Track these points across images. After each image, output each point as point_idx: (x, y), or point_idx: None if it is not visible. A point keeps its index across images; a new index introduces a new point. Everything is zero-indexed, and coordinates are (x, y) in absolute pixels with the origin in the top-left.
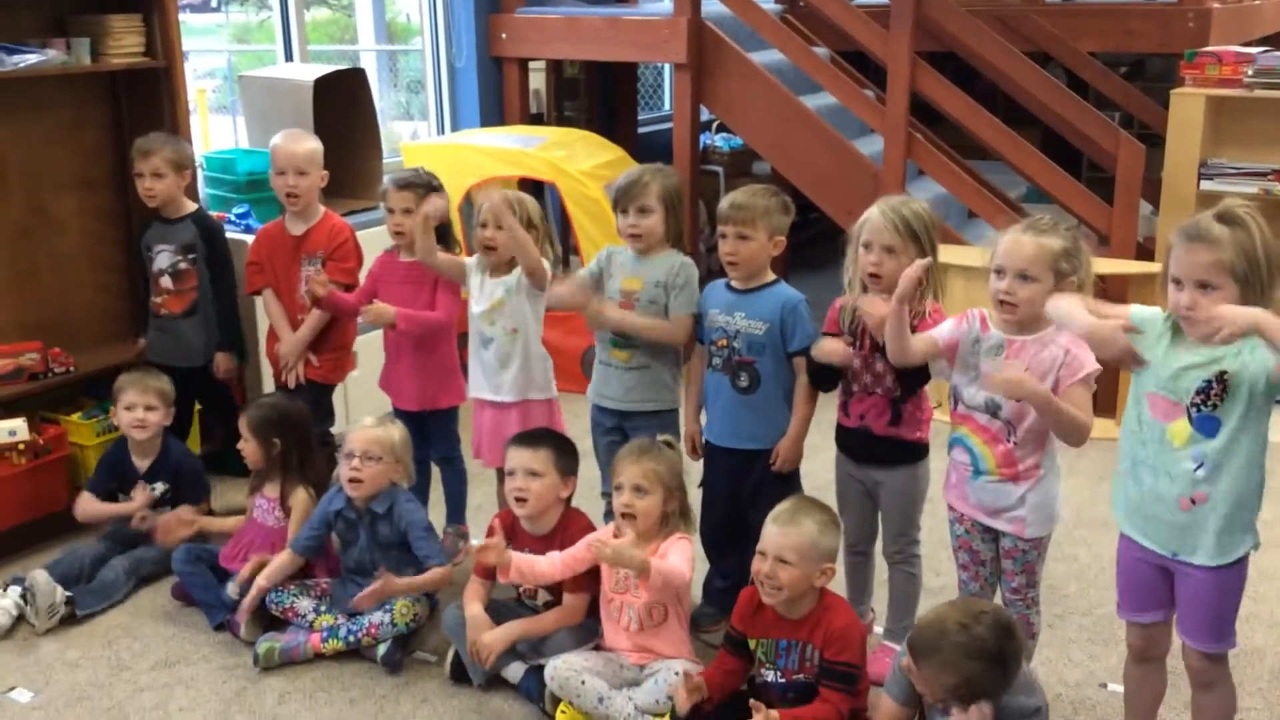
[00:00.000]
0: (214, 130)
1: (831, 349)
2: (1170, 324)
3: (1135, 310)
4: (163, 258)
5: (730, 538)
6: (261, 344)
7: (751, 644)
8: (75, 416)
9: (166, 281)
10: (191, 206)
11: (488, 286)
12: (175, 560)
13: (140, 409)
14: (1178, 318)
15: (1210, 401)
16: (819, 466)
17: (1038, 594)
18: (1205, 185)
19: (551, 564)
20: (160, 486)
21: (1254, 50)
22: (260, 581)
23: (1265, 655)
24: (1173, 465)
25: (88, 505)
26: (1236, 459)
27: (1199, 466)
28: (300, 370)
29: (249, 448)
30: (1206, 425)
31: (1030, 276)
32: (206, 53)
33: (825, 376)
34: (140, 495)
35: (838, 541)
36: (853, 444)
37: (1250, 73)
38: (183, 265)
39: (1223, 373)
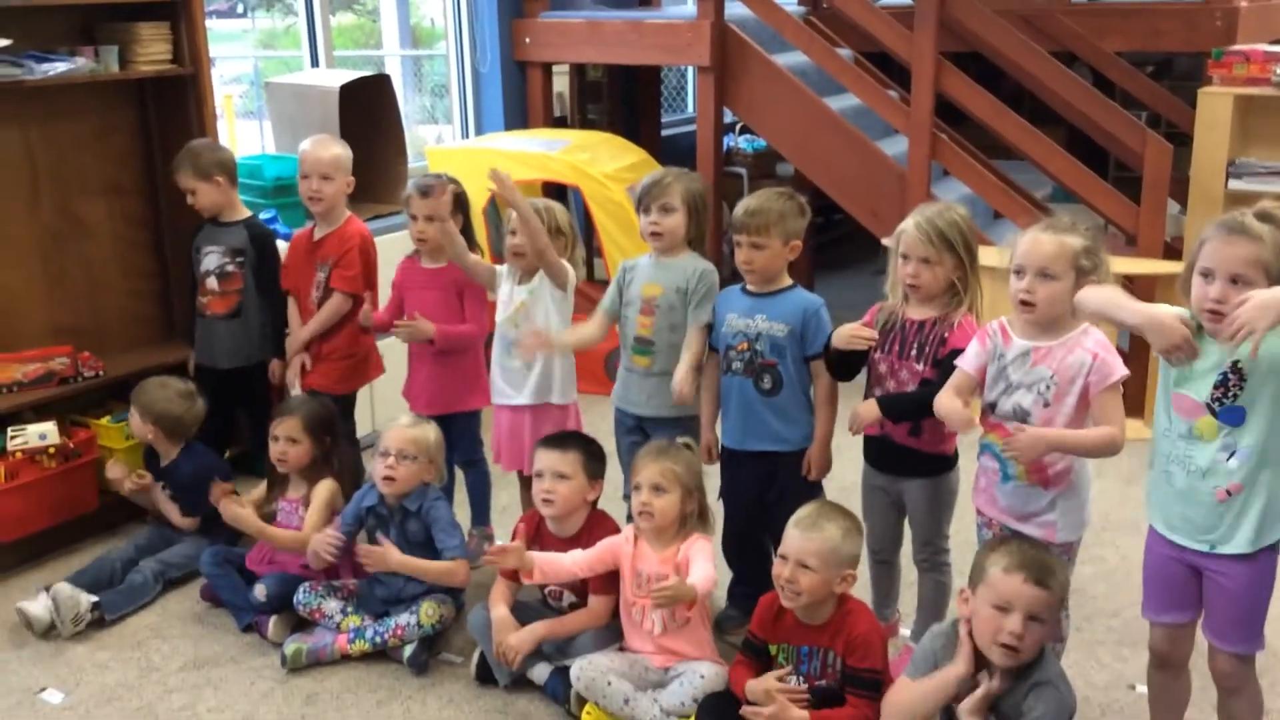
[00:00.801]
0: (241, 135)
1: (850, 334)
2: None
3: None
4: (210, 259)
5: (753, 542)
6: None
7: (773, 649)
8: (105, 420)
9: (212, 283)
10: (245, 212)
11: (516, 293)
12: (203, 563)
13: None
14: (1201, 313)
15: (1230, 393)
16: (841, 469)
17: (1066, 598)
18: (1234, 184)
19: (576, 562)
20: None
21: None
22: (326, 541)
23: None
24: (1205, 459)
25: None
26: (1269, 442)
27: (1231, 455)
28: (295, 379)
29: (299, 449)
30: (1232, 415)
31: (1050, 275)
32: (233, 59)
33: (844, 365)
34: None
35: (859, 548)
36: (876, 453)
37: (1278, 71)
38: (230, 268)
39: (1236, 363)
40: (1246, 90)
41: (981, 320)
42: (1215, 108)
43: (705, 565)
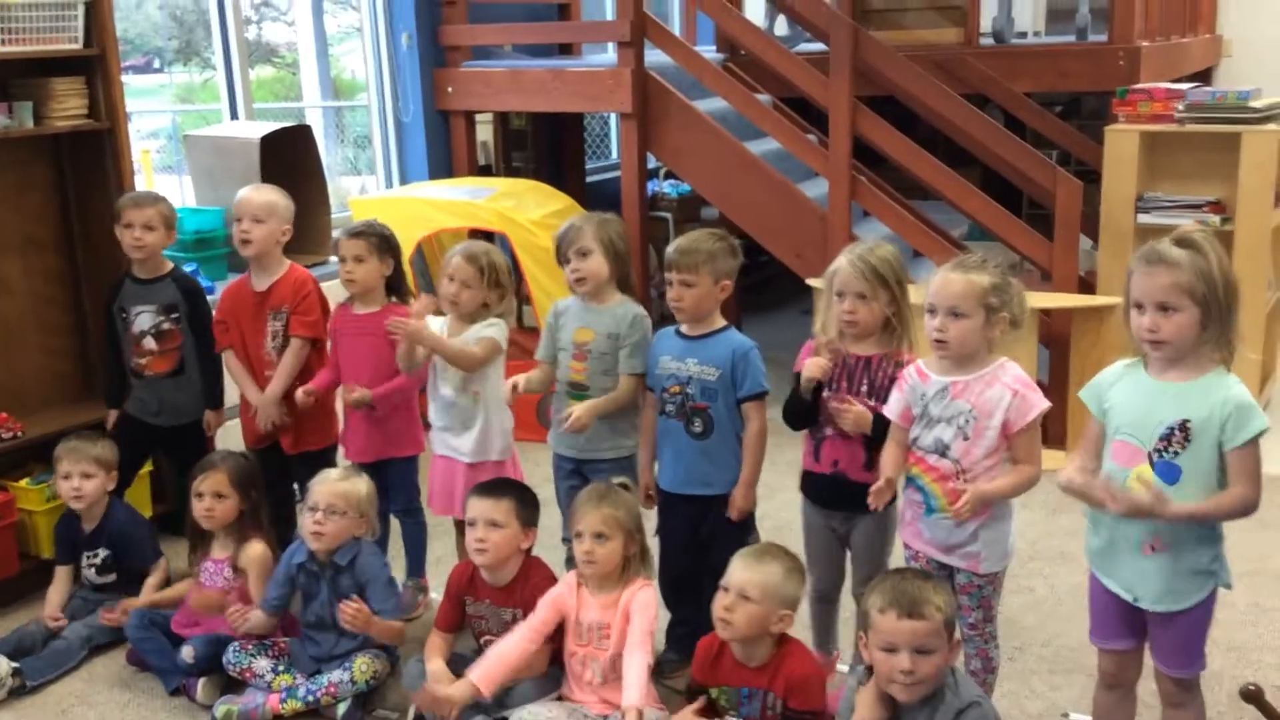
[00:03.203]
0: (160, 190)
1: (813, 366)
2: (1124, 366)
3: (1083, 393)
4: (144, 319)
5: (690, 584)
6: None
7: (714, 693)
8: (24, 482)
9: (150, 343)
10: (168, 265)
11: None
12: (129, 627)
13: (76, 477)
14: (1141, 343)
15: (1171, 449)
16: (776, 507)
17: (995, 628)
18: (1143, 219)
19: (525, 637)
20: (103, 553)
21: (1183, 86)
22: (242, 614)
23: (1223, 679)
24: None
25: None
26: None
27: None
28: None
29: (225, 505)
30: (1168, 472)
31: (960, 313)
32: (150, 113)
33: (801, 415)
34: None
35: (800, 591)
36: (825, 490)
37: (1181, 108)
38: (166, 325)
39: (1185, 421)
40: (1151, 127)
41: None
42: (1122, 145)
43: (644, 622)
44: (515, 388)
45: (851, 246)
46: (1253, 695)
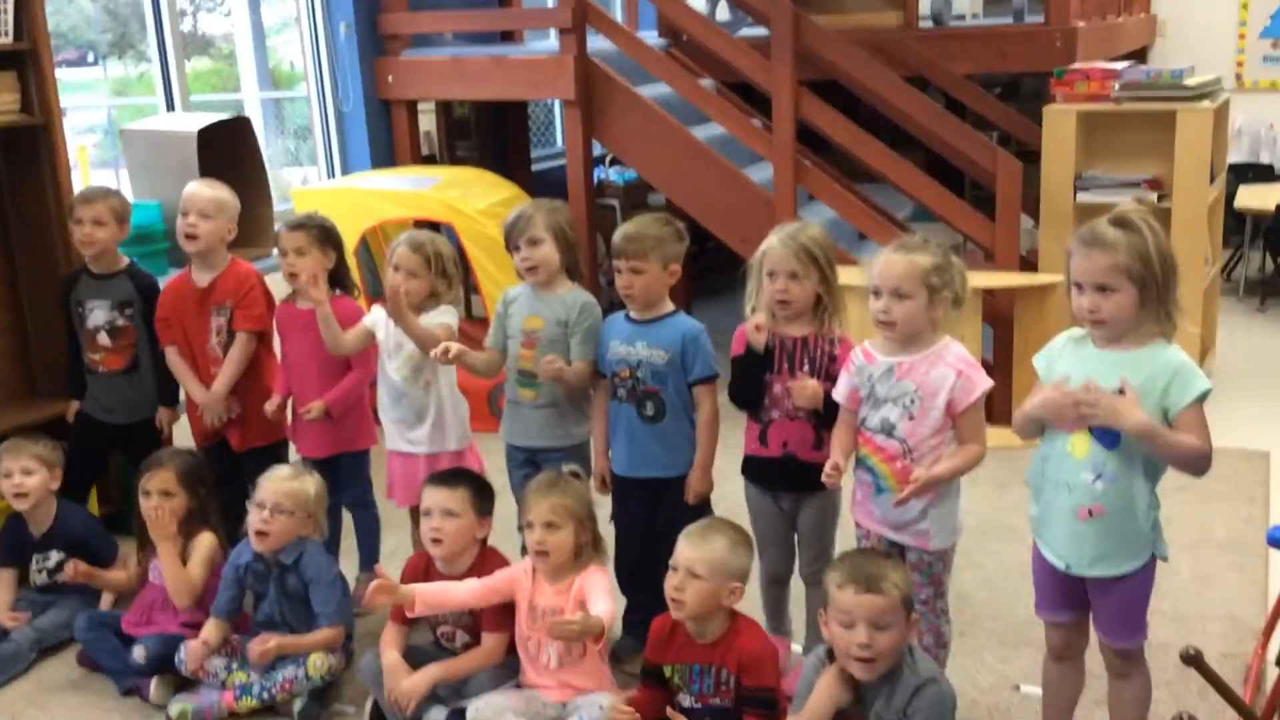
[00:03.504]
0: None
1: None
2: (1071, 339)
3: (1036, 359)
4: (98, 314)
5: (646, 569)
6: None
7: (667, 671)
8: None
9: (104, 339)
10: (124, 261)
11: (397, 336)
12: (78, 629)
13: (17, 474)
14: (1083, 323)
15: None
16: (730, 490)
17: (946, 604)
18: (1082, 197)
19: (470, 590)
20: (55, 556)
21: (1119, 65)
22: (198, 644)
23: (1169, 649)
24: (1072, 476)
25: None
26: (1133, 473)
27: (1097, 478)
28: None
29: (173, 503)
30: (1106, 437)
31: (903, 294)
32: (86, 108)
33: (748, 396)
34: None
35: (748, 562)
36: (772, 474)
37: (1117, 87)
38: (120, 322)
39: (1122, 390)
40: (1088, 106)
41: (856, 332)
42: (1060, 125)
43: (604, 600)
44: (448, 351)
45: (780, 226)
46: (1193, 659)
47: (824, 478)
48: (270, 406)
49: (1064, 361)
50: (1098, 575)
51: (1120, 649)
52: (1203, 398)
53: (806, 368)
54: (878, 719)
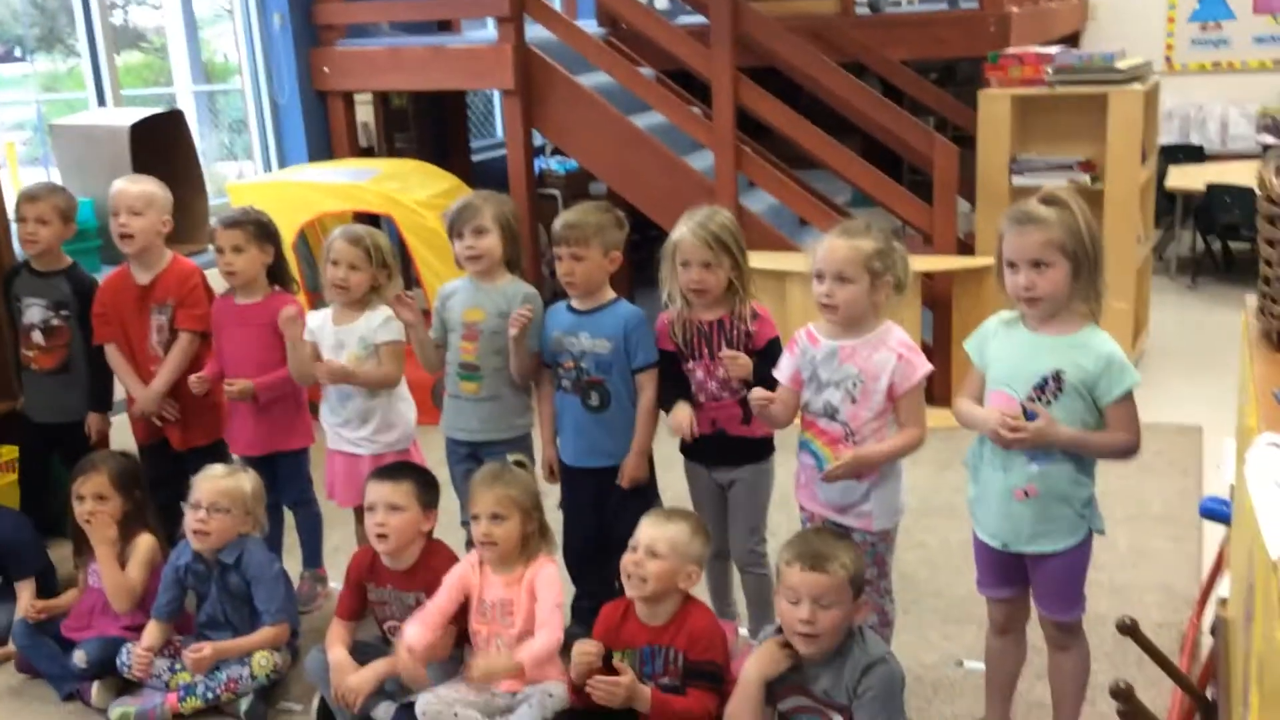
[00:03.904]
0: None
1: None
2: (1001, 322)
3: (967, 343)
4: (34, 312)
5: (594, 556)
6: None
7: (617, 657)
8: None
9: (38, 337)
10: (66, 261)
11: (338, 334)
12: (15, 635)
13: None
14: (1018, 301)
15: (1045, 398)
16: (676, 478)
17: (890, 583)
18: (1017, 180)
19: (442, 603)
20: None
21: (1052, 50)
22: (141, 650)
23: (1107, 620)
24: (1008, 459)
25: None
26: (1067, 455)
27: (1031, 460)
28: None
29: (110, 505)
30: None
31: (846, 278)
32: (13, 104)
33: (674, 396)
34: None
35: (707, 550)
36: (705, 450)
37: (1050, 71)
38: (55, 322)
39: (1059, 372)
40: (1022, 90)
41: (780, 311)
42: (995, 109)
43: (546, 607)
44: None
45: (689, 214)
46: (1129, 629)
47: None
48: (193, 380)
49: (995, 344)
50: (1035, 551)
51: (1059, 621)
52: (1132, 390)
53: (724, 350)
54: (826, 695)
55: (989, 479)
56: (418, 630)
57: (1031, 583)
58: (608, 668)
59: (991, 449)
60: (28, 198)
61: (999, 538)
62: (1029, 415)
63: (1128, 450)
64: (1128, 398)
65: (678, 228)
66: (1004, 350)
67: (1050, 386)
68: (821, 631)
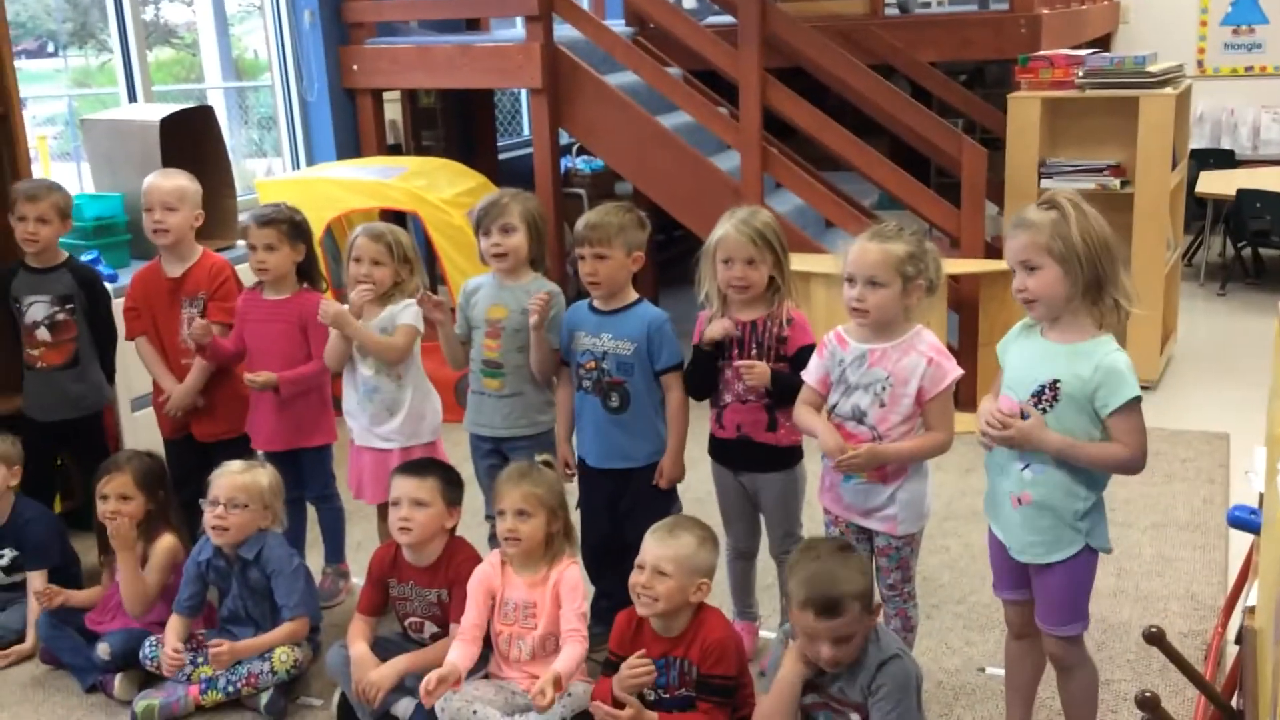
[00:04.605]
0: (57, 178)
1: (713, 330)
2: (1023, 326)
3: (998, 346)
4: (37, 309)
5: (611, 556)
6: (121, 393)
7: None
8: None
9: (43, 334)
10: (63, 255)
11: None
12: (40, 626)
13: None
14: (1021, 304)
15: (1041, 405)
16: (696, 479)
17: (914, 588)
18: (1046, 183)
19: (473, 615)
20: (8, 554)
21: (1083, 52)
22: (170, 652)
23: (1131, 628)
24: (1006, 464)
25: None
26: (1061, 465)
27: (1025, 467)
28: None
29: (131, 506)
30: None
31: (878, 282)
32: (46, 99)
33: (701, 386)
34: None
35: (715, 558)
36: (731, 453)
37: (1080, 74)
38: (60, 316)
39: (1055, 380)
40: (1052, 93)
41: (806, 313)
42: (1024, 111)
43: (572, 654)
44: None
45: (731, 213)
46: (1155, 638)
47: (838, 463)
48: (197, 323)
49: (1013, 349)
50: (1029, 562)
51: (1054, 635)
52: (1133, 403)
53: (754, 352)
54: (841, 693)
55: (995, 482)
56: (463, 650)
57: (1034, 593)
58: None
59: (994, 452)
60: (28, 197)
61: (1007, 540)
62: (1025, 418)
63: (1124, 463)
64: (1129, 410)
65: (719, 226)
66: (1016, 355)
67: (1046, 395)
68: (844, 660)
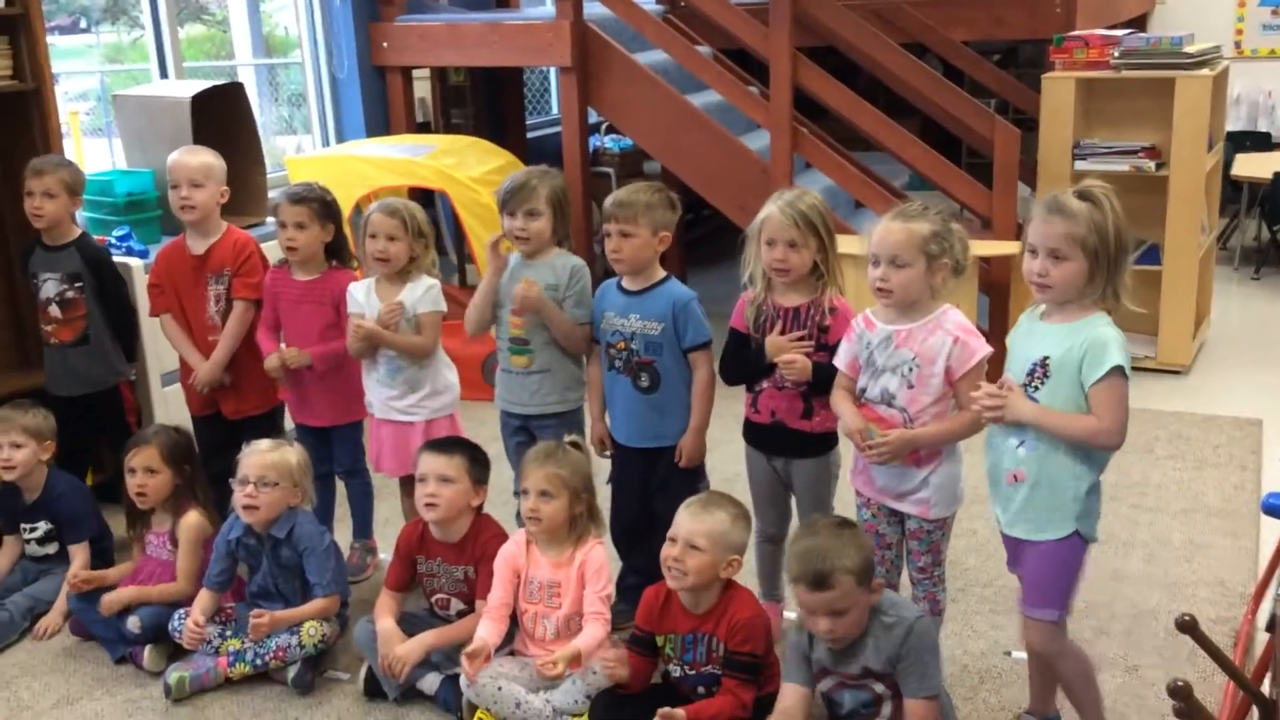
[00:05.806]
0: (89, 153)
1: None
2: (1029, 311)
3: (1008, 339)
4: (49, 286)
5: (641, 533)
6: (152, 369)
7: (660, 640)
8: None
9: (55, 310)
10: (75, 232)
11: (382, 306)
12: (71, 598)
13: (6, 448)
14: (1030, 285)
15: (1033, 383)
16: (724, 459)
17: (943, 572)
18: (1079, 165)
19: (500, 594)
20: (43, 525)
21: (1119, 33)
22: (192, 624)
23: (1159, 614)
24: (1002, 441)
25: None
26: (1055, 444)
27: (1020, 444)
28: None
29: (158, 480)
30: None
31: (902, 262)
32: (78, 74)
33: (737, 375)
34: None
35: (747, 536)
36: (765, 438)
37: (1116, 54)
38: (70, 294)
39: (1045, 357)
40: (1087, 74)
41: (851, 301)
42: (1058, 92)
43: (594, 632)
44: (497, 244)
45: (779, 194)
46: (1187, 626)
47: (867, 454)
48: (273, 362)
49: (1017, 331)
50: (1016, 536)
51: (1028, 617)
52: (1116, 373)
53: (782, 353)
54: (866, 672)
55: (994, 459)
56: (491, 627)
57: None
58: (649, 650)
59: (993, 429)
60: (34, 172)
61: (999, 515)
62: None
63: (1095, 435)
64: (1110, 381)
65: (766, 206)
66: (1019, 337)
67: (1038, 372)
68: (844, 634)
